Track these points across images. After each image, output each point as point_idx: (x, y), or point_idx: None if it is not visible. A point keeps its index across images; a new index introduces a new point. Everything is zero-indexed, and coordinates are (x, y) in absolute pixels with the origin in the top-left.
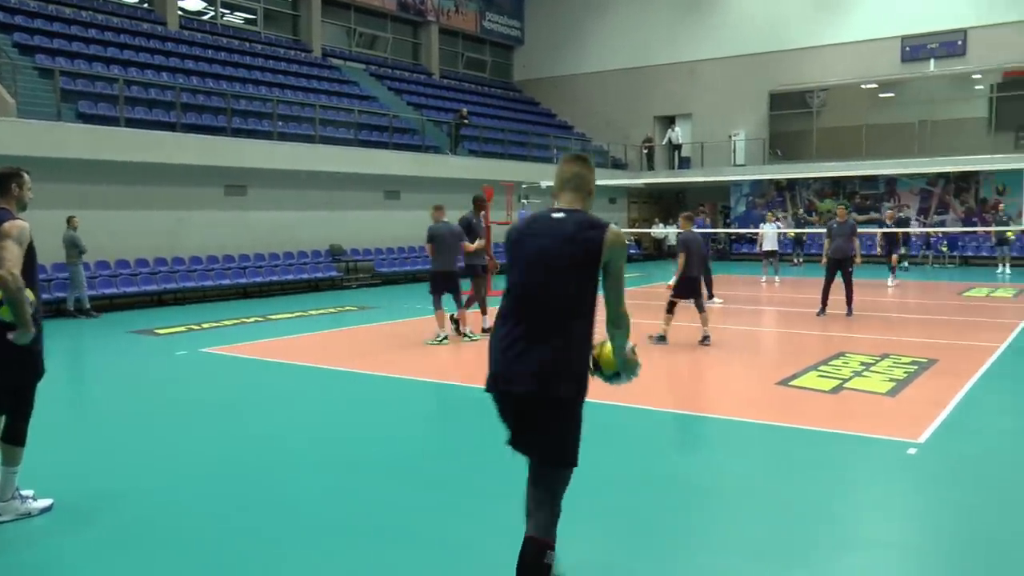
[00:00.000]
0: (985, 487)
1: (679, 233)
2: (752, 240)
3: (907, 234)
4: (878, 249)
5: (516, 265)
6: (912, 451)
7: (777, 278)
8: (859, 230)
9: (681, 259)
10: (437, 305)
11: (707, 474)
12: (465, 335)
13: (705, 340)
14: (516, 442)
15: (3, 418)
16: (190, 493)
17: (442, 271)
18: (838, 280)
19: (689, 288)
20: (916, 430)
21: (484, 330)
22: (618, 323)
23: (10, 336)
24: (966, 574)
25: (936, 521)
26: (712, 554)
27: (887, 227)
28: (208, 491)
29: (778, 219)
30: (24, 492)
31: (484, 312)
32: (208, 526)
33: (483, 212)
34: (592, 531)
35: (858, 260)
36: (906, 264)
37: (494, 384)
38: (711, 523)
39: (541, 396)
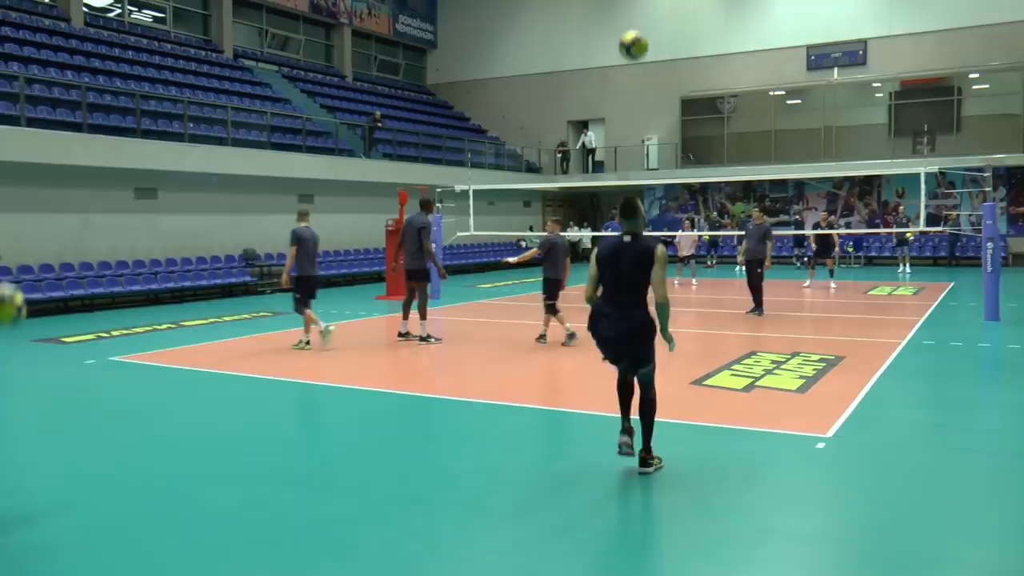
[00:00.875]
0: (889, 477)
1: (544, 236)
2: (666, 243)
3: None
4: (813, 246)
5: (610, 269)
6: (821, 445)
7: (694, 280)
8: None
9: (529, 254)
10: (305, 307)
11: (619, 473)
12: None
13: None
14: (619, 359)
15: None
16: (100, 506)
17: (309, 275)
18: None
19: (551, 289)
20: (824, 425)
21: (423, 339)
22: (661, 300)
23: None
24: (872, 561)
25: (844, 511)
26: (624, 550)
27: (822, 229)
28: (119, 504)
29: (693, 225)
30: None
31: (406, 316)
32: (118, 540)
33: (431, 214)
34: (504, 532)
35: (767, 263)
36: (802, 261)
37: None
38: (623, 520)
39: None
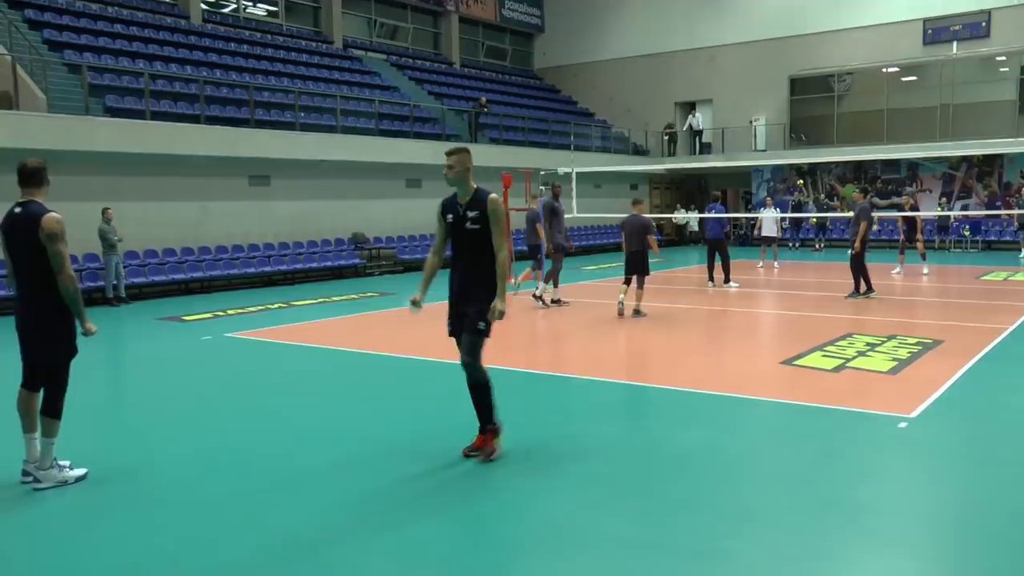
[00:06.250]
0: (971, 458)
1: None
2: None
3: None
4: (900, 235)
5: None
6: (903, 425)
7: (776, 263)
8: (879, 214)
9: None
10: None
11: (705, 445)
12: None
13: (637, 313)
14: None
15: (41, 393)
16: (213, 465)
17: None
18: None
19: (630, 264)
20: (910, 405)
21: (554, 301)
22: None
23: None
24: (935, 535)
25: (916, 487)
26: (706, 517)
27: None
28: (229, 464)
29: (777, 205)
30: (61, 462)
31: (556, 284)
32: (228, 494)
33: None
34: (596, 497)
35: (856, 245)
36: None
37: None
38: (706, 489)
39: None
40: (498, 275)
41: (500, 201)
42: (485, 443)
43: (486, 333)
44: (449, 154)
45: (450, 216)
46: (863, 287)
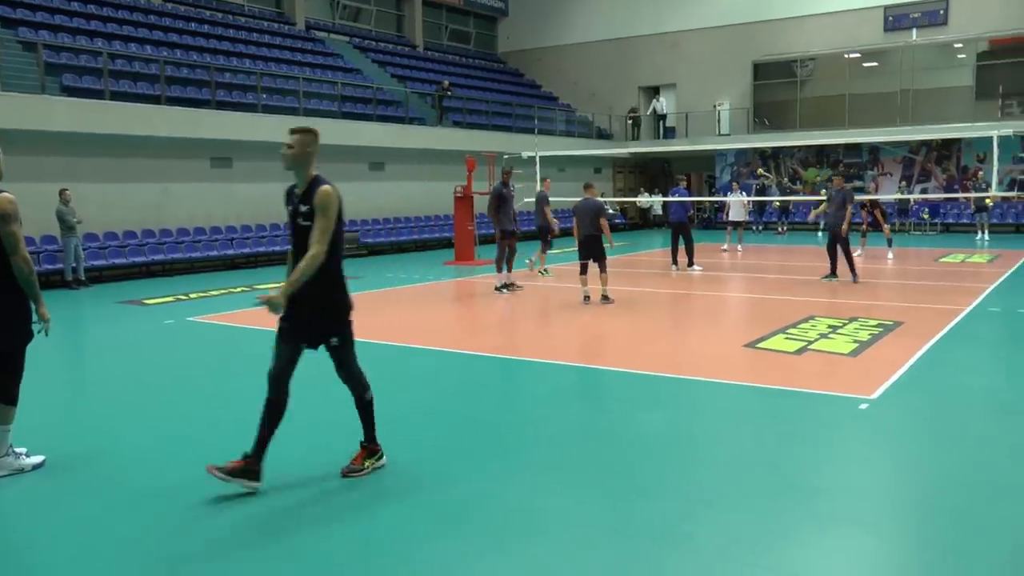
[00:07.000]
0: (929, 436)
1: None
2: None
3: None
4: (863, 219)
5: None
6: (864, 406)
7: (739, 247)
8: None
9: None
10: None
11: (665, 429)
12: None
13: (605, 299)
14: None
15: None
16: (175, 451)
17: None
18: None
19: (585, 249)
20: (871, 387)
21: (506, 286)
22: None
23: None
24: (896, 513)
25: (875, 467)
26: (667, 500)
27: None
28: (192, 450)
29: (742, 188)
30: (18, 449)
31: (509, 269)
32: (191, 480)
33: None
34: (558, 481)
35: (843, 229)
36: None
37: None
38: (668, 473)
39: None
40: (299, 267)
41: (332, 195)
42: (356, 458)
43: (344, 345)
44: (292, 132)
45: (290, 207)
46: (828, 271)
